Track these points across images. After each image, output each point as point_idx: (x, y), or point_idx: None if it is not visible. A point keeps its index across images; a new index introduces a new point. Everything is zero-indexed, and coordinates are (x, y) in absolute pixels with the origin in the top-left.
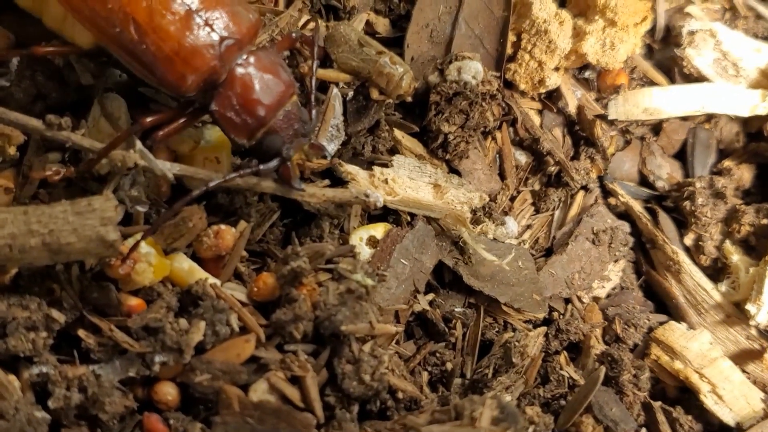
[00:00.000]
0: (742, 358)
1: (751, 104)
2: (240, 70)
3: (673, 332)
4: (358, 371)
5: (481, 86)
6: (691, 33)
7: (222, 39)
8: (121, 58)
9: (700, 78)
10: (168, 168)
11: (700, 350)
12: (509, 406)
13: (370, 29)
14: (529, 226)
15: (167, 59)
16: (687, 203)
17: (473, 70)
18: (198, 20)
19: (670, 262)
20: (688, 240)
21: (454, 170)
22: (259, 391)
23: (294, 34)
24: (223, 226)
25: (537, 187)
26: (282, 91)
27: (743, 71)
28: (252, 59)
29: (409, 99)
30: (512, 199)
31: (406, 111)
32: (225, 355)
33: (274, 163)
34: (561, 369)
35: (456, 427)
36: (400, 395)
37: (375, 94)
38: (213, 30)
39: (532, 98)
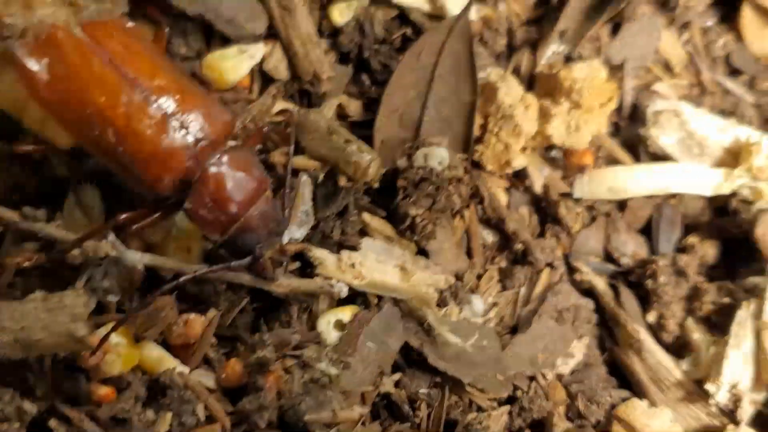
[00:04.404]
0: None
1: (714, 183)
2: (213, 169)
3: (635, 410)
4: None
5: (447, 171)
6: (656, 113)
7: (197, 140)
8: (100, 159)
9: (665, 157)
10: (138, 259)
11: (662, 428)
12: None
13: (342, 112)
14: (495, 304)
15: (144, 161)
16: (649, 281)
17: (439, 156)
18: (174, 123)
19: (632, 340)
20: (651, 317)
21: (422, 250)
22: None
23: (266, 129)
24: (192, 316)
25: (504, 265)
26: (254, 188)
27: (708, 150)
28: (225, 158)
29: (376, 185)
30: (479, 277)
31: (377, 191)
32: None
33: (246, 260)
34: None
35: None
36: None
37: (343, 181)
38: (188, 132)
39: (501, 177)
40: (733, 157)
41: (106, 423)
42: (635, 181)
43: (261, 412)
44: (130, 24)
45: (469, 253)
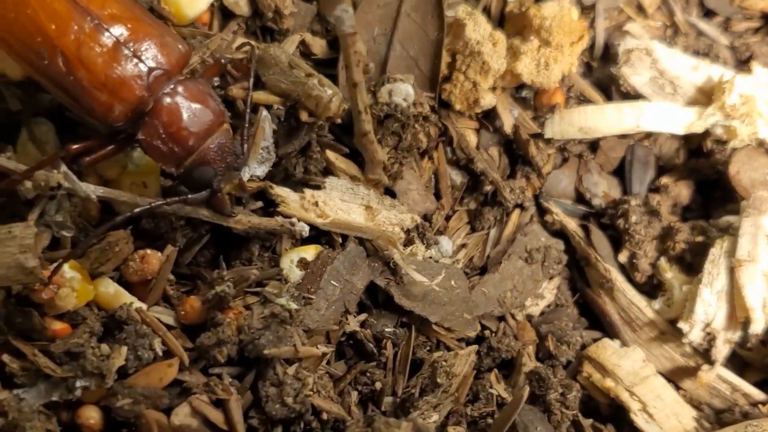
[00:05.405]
0: (677, 375)
1: (687, 122)
2: (167, 100)
3: (606, 350)
4: (281, 394)
5: (412, 108)
6: (627, 51)
7: (150, 70)
8: (50, 90)
9: (637, 96)
10: (92, 190)
11: (632, 368)
12: (425, 428)
13: (306, 50)
14: (464, 245)
15: (95, 90)
16: (621, 221)
17: (404, 92)
18: (126, 51)
19: (603, 280)
20: (623, 257)
21: (389, 191)
22: (181, 415)
23: (223, 60)
24: (149, 251)
25: (473, 206)
26: (210, 120)
27: (680, 89)
28: (180, 88)
29: (339, 120)
30: (448, 218)
31: (342, 132)
32: (147, 379)
33: (203, 194)
34: (490, 387)
35: None
36: (324, 416)
37: (304, 117)
38: (141, 61)
39: (470, 117)
40: (706, 96)
41: (60, 357)
42: (606, 120)
43: (220, 347)
44: None
45: (438, 195)
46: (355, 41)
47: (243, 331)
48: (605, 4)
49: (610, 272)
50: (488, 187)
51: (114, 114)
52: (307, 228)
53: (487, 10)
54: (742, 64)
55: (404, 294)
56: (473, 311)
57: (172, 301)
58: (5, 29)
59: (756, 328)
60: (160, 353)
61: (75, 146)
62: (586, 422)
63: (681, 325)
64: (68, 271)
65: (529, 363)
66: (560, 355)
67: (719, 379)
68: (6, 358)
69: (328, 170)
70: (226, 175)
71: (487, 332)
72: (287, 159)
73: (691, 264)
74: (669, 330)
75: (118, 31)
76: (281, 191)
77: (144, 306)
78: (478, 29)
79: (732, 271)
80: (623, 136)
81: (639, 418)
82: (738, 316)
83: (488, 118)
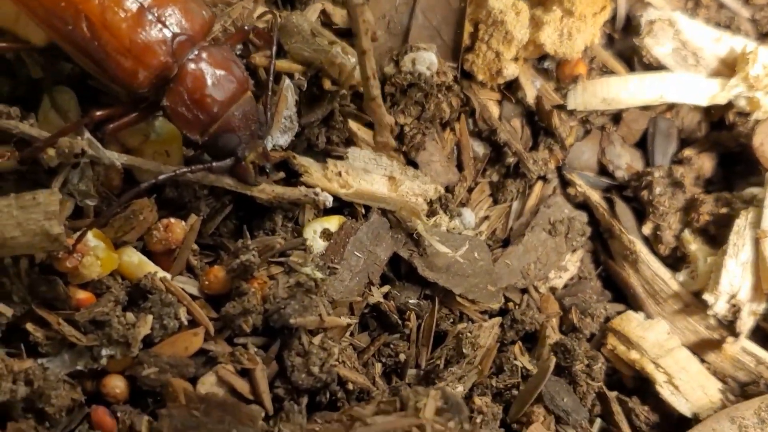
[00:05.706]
0: (701, 347)
1: (710, 93)
2: (191, 66)
3: (630, 322)
4: (307, 363)
5: (436, 77)
6: (650, 22)
7: (174, 35)
8: (74, 56)
9: (659, 67)
10: (116, 158)
11: (657, 340)
12: (453, 397)
13: (327, 20)
14: (486, 218)
15: (119, 56)
16: (645, 193)
17: (428, 61)
18: (150, 17)
19: (627, 252)
20: (647, 229)
21: (411, 162)
22: (207, 384)
23: (247, 27)
24: (173, 220)
25: (495, 178)
26: (235, 87)
27: (703, 60)
28: (204, 54)
29: (362, 89)
30: (470, 190)
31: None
32: (173, 348)
33: (228, 162)
34: (515, 359)
35: (401, 418)
36: (350, 386)
37: (327, 85)
38: (165, 26)
39: (492, 89)
40: (729, 68)
41: (85, 326)
42: (629, 90)
43: (245, 317)
44: None
45: (460, 166)
46: (364, 11)
47: (268, 300)
48: None
49: (634, 244)
50: (511, 159)
51: (138, 80)
52: (330, 198)
53: None
54: (764, 36)
55: (428, 265)
56: (497, 283)
57: (195, 271)
58: None
59: None
60: (186, 322)
61: (99, 113)
62: (611, 394)
63: (706, 296)
64: (92, 239)
65: (553, 335)
66: (584, 327)
67: (744, 351)
68: (30, 327)
69: (351, 140)
70: (250, 144)
71: (510, 305)
72: (310, 129)
73: (715, 236)
74: (693, 302)
75: None
76: (304, 161)
77: (168, 275)
78: None
79: (757, 243)
80: (645, 108)
81: (664, 390)
82: (763, 287)
83: (510, 89)
